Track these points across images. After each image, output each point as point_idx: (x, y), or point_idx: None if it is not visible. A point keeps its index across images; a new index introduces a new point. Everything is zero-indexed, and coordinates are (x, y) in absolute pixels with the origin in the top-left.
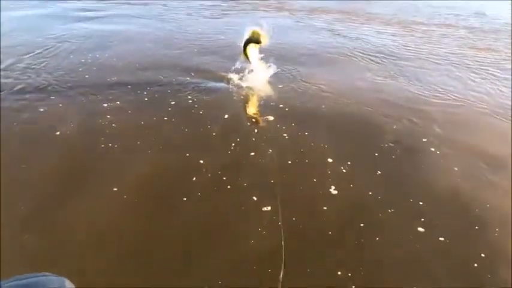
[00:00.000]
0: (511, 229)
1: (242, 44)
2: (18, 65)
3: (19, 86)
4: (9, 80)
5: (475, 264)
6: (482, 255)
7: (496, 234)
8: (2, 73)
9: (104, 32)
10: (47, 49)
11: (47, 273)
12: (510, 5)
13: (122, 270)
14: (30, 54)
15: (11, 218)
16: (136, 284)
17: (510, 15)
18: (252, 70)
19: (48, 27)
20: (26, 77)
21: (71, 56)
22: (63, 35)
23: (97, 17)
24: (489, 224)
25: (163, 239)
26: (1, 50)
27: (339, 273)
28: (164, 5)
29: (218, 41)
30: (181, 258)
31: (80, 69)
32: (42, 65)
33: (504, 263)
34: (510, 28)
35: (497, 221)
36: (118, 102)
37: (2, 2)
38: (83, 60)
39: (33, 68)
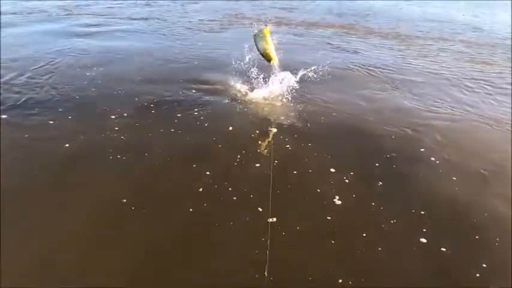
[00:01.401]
0: (510, 238)
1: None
2: (23, 78)
3: (25, 98)
4: (16, 93)
5: (477, 275)
6: (484, 265)
7: (497, 244)
8: (7, 86)
9: (106, 46)
10: (51, 63)
11: None
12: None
13: (131, 273)
14: (34, 68)
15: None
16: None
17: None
18: (255, 83)
19: (51, 42)
20: (31, 90)
21: (76, 70)
22: (66, 49)
23: (99, 32)
24: (489, 233)
25: (170, 248)
26: (6, 63)
27: (340, 281)
28: (165, 20)
29: (219, 55)
30: (187, 266)
31: (85, 83)
32: (47, 78)
33: (505, 273)
34: (507, 42)
35: (496, 230)
36: (125, 115)
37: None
38: (87, 74)
39: (39, 81)
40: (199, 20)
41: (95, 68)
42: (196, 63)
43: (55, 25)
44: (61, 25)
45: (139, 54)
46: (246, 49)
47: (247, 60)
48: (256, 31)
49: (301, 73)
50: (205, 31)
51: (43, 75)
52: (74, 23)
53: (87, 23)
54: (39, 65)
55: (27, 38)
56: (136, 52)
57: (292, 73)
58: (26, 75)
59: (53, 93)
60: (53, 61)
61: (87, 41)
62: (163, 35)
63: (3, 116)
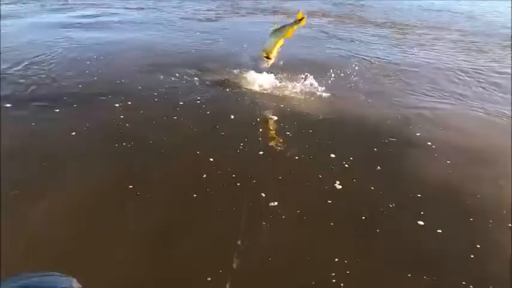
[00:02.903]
0: (502, 219)
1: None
2: (22, 68)
3: (27, 87)
4: (17, 82)
5: (472, 256)
6: (478, 246)
7: (490, 226)
8: (8, 76)
9: (103, 37)
10: (49, 53)
11: (54, 273)
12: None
13: (137, 261)
14: (32, 58)
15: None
16: (150, 273)
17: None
18: (255, 71)
19: (47, 33)
20: (33, 79)
21: (75, 60)
22: (63, 39)
23: (95, 23)
24: (482, 215)
25: (174, 233)
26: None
27: (336, 259)
28: (161, 10)
29: (218, 44)
30: (190, 250)
31: (87, 72)
32: (47, 68)
33: (498, 253)
34: (503, 31)
35: (489, 212)
36: (129, 103)
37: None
38: (87, 63)
39: (39, 71)
40: (195, 10)
41: (94, 57)
42: (194, 51)
43: (50, 16)
44: (56, 16)
45: (138, 44)
46: (244, 38)
47: (245, 48)
48: (279, 26)
49: (297, 62)
50: (201, 20)
51: (43, 65)
52: (70, 15)
53: (84, 14)
54: (37, 55)
55: (22, 28)
56: (134, 42)
57: (289, 62)
58: (25, 65)
59: (55, 82)
60: (50, 51)
61: (84, 31)
62: (161, 24)
63: (7, 105)
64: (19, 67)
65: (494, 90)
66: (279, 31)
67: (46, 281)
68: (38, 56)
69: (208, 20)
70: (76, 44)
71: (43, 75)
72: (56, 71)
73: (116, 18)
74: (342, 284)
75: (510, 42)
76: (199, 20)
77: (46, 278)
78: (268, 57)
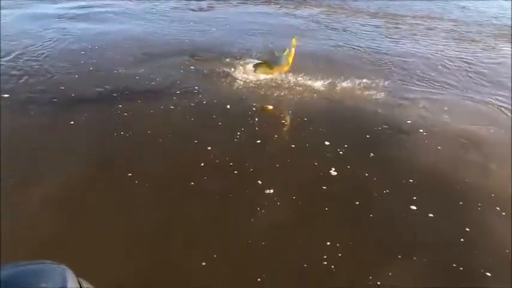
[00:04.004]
0: (490, 203)
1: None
2: (18, 58)
3: (24, 77)
4: (14, 73)
5: (462, 239)
6: (467, 229)
7: (479, 209)
8: (3, 66)
9: (96, 27)
10: (43, 44)
11: (46, 261)
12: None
13: (134, 248)
14: (27, 48)
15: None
16: (151, 257)
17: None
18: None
19: (40, 24)
20: (29, 70)
21: (70, 50)
22: (56, 30)
23: (88, 14)
24: (472, 199)
25: (172, 221)
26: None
27: (328, 243)
28: (151, 1)
29: (212, 33)
30: (186, 238)
31: (82, 62)
32: (43, 58)
33: (487, 236)
34: (494, 22)
35: (478, 196)
36: (127, 93)
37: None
38: (82, 53)
39: (34, 62)
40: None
41: (89, 48)
42: (188, 41)
43: (42, 6)
44: (48, 6)
45: (131, 34)
46: (237, 28)
47: (239, 38)
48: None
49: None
50: (194, 10)
51: (36, 56)
52: (62, 6)
53: (75, 5)
54: (30, 46)
55: (14, 19)
56: (127, 33)
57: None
58: (18, 56)
59: (52, 72)
60: (43, 42)
61: (76, 22)
62: (153, 14)
63: (5, 95)
64: (11, 57)
65: (481, 79)
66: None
67: (37, 269)
68: (31, 46)
69: (201, 9)
70: (69, 35)
71: (36, 66)
72: (50, 61)
73: (108, 9)
74: (332, 266)
75: (502, 32)
76: (192, 9)
77: (37, 266)
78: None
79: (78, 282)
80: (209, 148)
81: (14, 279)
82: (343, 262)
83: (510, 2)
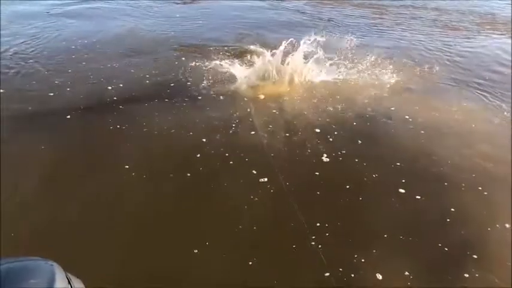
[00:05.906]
0: (474, 182)
1: None
2: (10, 53)
3: (19, 72)
4: (8, 67)
5: (448, 220)
6: (452, 209)
7: (462, 189)
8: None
9: (85, 24)
10: (34, 39)
11: (33, 257)
12: None
13: (131, 238)
14: (19, 44)
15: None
16: (146, 250)
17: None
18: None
19: (32, 21)
20: (22, 65)
21: (61, 44)
22: (45, 25)
23: (77, 10)
24: (455, 180)
25: (169, 211)
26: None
27: (318, 224)
28: None
29: (197, 25)
30: (179, 226)
31: (73, 56)
32: (35, 53)
33: (471, 216)
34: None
35: (461, 177)
36: (121, 85)
37: None
38: (72, 47)
39: (27, 56)
40: None
41: (79, 42)
42: (177, 34)
43: (29, 3)
44: (40, 2)
45: (119, 31)
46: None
47: (227, 29)
48: None
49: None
50: (177, 3)
51: (29, 52)
52: (48, 3)
53: (62, 3)
54: (21, 42)
55: (5, 16)
56: (116, 29)
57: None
58: (12, 51)
59: (45, 67)
60: (34, 38)
61: (65, 18)
62: (138, 9)
63: (1, 90)
64: (4, 53)
65: (459, 64)
66: None
67: (24, 266)
68: (23, 43)
69: (185, 3)
70: (59, 31)
71: (30, 61)
72: (42, 56)
73: (94, 5)
74: (319, 246)
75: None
76: (176, 2)
77: (27, 262)
78: None
79: (67, 278)
80: (204, 140)
81: (1, 276)
82: (330, 241)
83: None
